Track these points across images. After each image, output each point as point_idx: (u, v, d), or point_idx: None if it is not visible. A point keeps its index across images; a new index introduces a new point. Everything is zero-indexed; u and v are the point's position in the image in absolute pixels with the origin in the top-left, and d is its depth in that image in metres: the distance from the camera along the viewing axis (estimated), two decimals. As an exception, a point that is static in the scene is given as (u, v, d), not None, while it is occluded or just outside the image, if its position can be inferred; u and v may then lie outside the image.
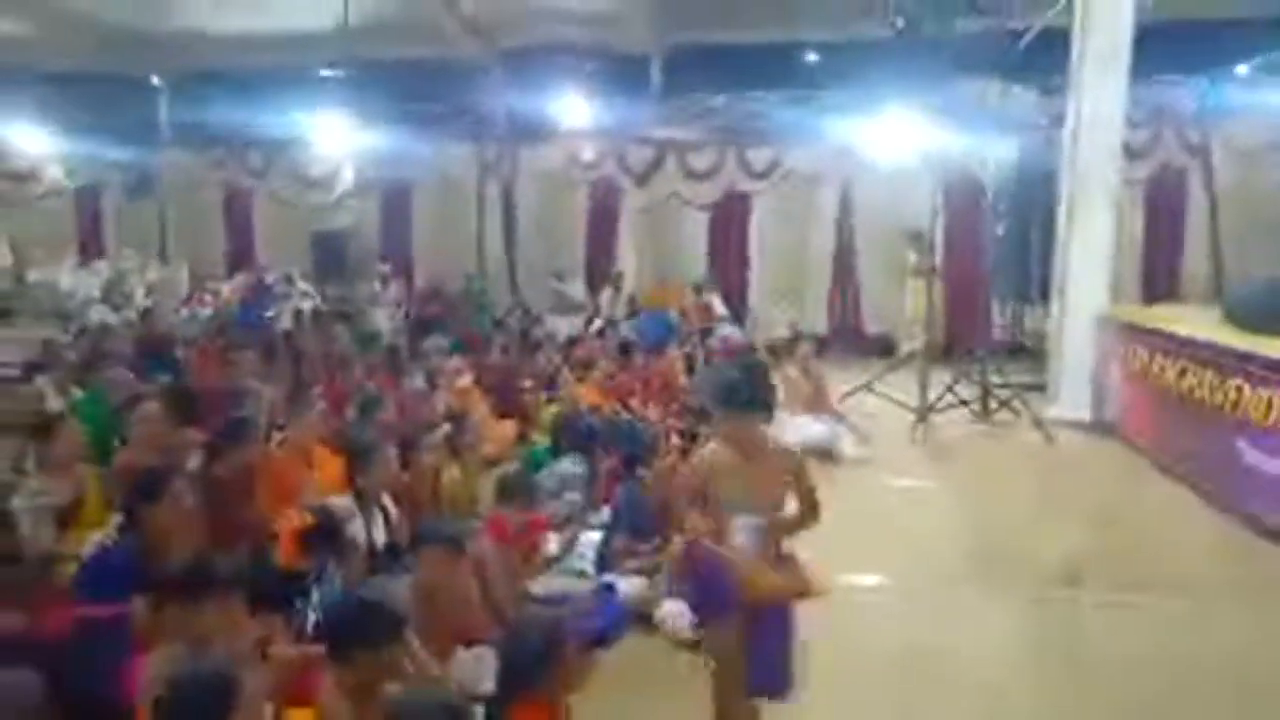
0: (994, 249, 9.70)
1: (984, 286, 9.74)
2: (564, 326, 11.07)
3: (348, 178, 13.74)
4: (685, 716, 3.56)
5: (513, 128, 12.52)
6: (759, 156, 12.52)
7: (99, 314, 11.24)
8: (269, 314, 10.92)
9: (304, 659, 3.20)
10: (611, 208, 13.22)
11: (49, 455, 4.33)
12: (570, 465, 5.78)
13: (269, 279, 12.63)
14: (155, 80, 13.74)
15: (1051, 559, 5.15)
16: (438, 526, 3.64)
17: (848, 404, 8.28)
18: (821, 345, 9.90)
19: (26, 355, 8.30)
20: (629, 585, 4.37)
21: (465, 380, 7.02)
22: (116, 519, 3.97)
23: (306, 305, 11.64)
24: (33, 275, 12.90)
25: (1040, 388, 8.86)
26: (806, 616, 3.09)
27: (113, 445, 5.06)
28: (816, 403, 7.70)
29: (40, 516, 4.11)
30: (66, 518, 4.22)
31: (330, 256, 13.63)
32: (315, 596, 3.55)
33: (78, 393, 6.37)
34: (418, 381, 6.90)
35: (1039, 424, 7.91)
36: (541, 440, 6.59)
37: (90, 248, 14.20)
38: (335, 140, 12.69)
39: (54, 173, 14.14)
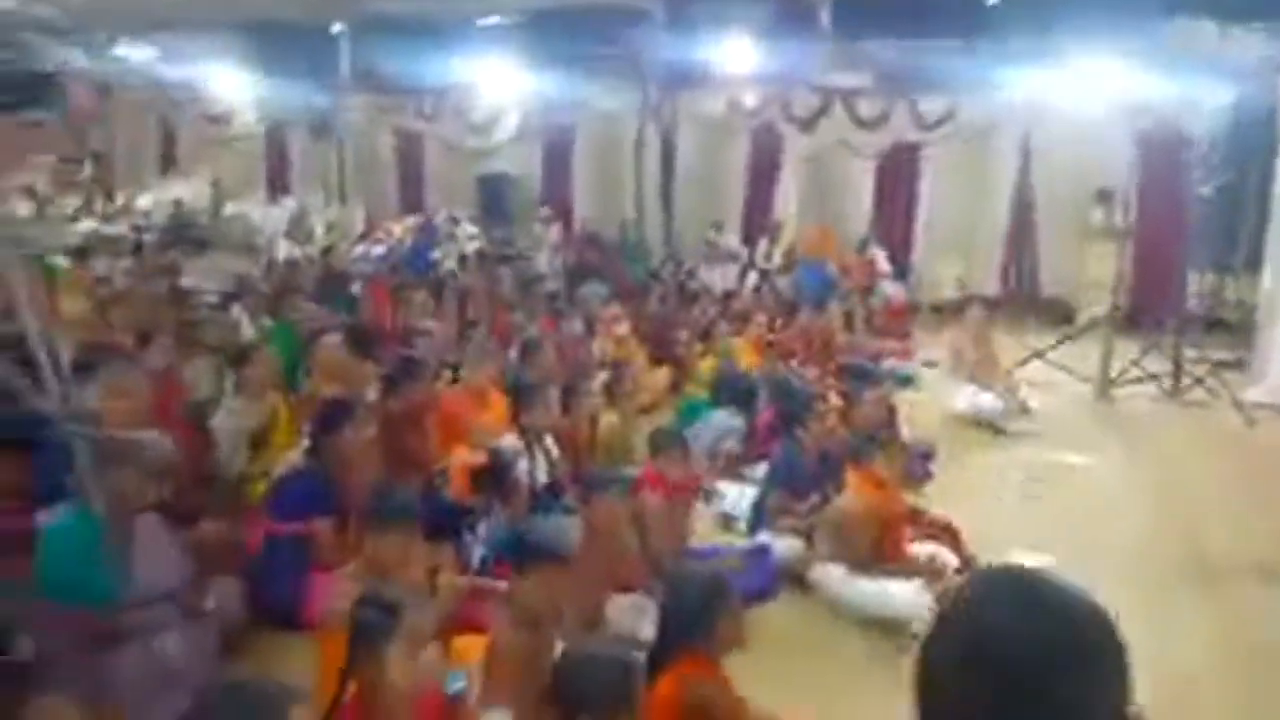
0: (1195, 209, 8.82)
1: (1180, 251, 8.90)
2: (717, 278, 10.96)
3: (511, 123, 13.99)
4: (835, 681, 3.51)
5: (674, 73, 12.34)
6: (931, 106, 11.84)
7: (284, 249, 12.02)
8: (436, 255, 11.34)
9: (473, 588, 3.33)
10: (773, 156, 12.88)
11: (245, 380, 4.65)
12: (727, 418, 5.76)
13: (436, 220, 13.11)
14: (336, 28, 14.38)
15: (1244, 550, 4.72)
16: (608, 474, 3.69)
17: (1019, 373, 7.82)
18: (991, 308, 9.38)
19: (223, 285, 9.00)
20: (783, 544, 4.31)
21: (623, 328, 7.08)
22: (304, 444, 4.25)
23: (471, 247, 12.02)
24: (228, 210, 13.89)
25: (1241, 365, 8.08)
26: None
27: (300, 374, 5.40)
28: (984, 370, 7.30)
29: (236, 437, 4.44)
30: (258, 440, 4.56)
31: (494, 200, 13.98)
32: (482, 531, 3.69)
33: (268, 322, 6.85)
34: (576, 327, 7.02)
35: (1239, 405, 7.21)
36: (696, 391, 6.60)
37: (277, 186, 15.13)
38: (500, 86, 12.93)
39: (246, 115, 15.05)
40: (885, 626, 3.75)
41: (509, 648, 2.59)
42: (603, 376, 5.32)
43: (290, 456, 4.14)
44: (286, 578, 3.54)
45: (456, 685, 2.80)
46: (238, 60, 14.02)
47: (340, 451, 3.74)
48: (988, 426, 6.73)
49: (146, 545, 3.19)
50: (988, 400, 6.84)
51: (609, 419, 5.19)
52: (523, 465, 4.16)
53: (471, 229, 13.14)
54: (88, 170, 14.62)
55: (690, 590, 2.59)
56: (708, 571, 2.71)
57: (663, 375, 6.95)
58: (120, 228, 12.61)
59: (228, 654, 3.35)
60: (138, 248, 11.13)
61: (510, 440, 4.18)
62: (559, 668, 2.12)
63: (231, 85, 14.54)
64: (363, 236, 13.30)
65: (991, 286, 11.56)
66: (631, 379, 5.42)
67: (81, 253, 9.64)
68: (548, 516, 3.70)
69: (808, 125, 12.51)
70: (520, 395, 4.47)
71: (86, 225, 12.37)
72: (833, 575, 3.99)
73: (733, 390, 5.99)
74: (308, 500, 3.63)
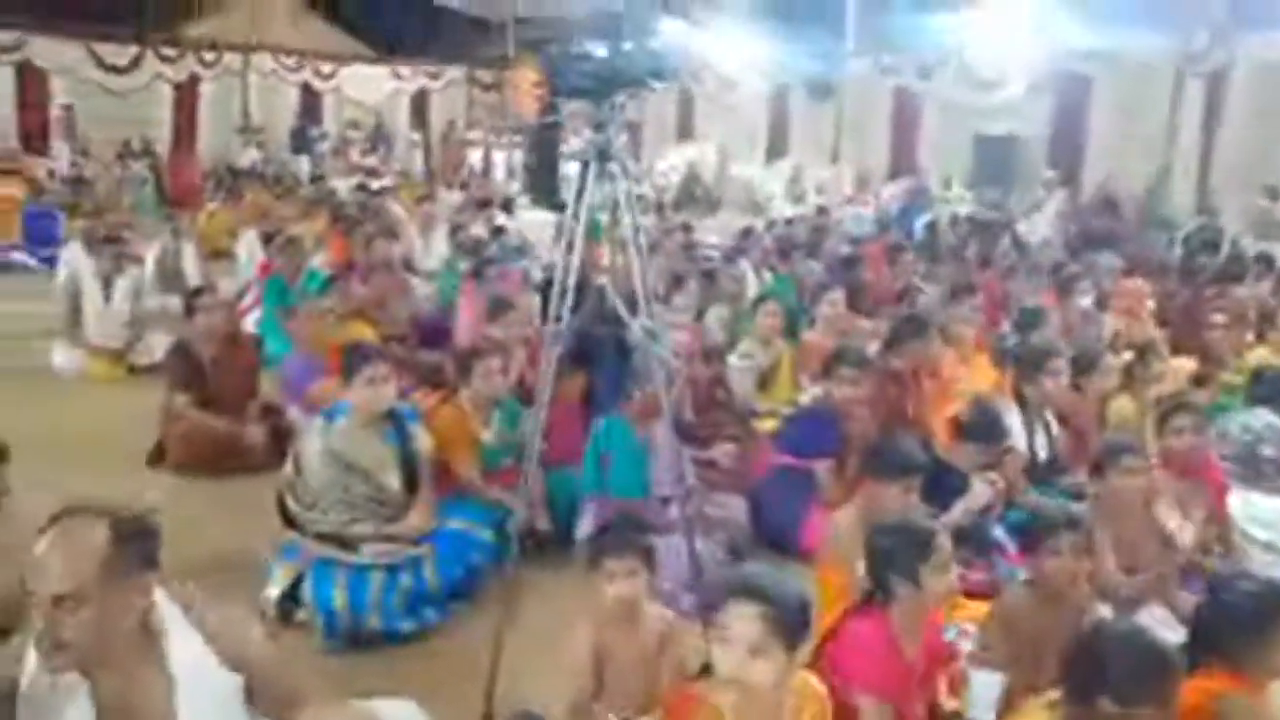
0: None
1: None
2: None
3: (1020, 79, 13.07)
4: None
5: (1239, 11, 10.48)
6: None
7: (779, 207, 12.77)
8: (925, 218, 11.16)
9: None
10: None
11: (756, 327, 5.12)
12: (1268, 416, 4.90)
13: (928, 182, 12.87)
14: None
15: None
16: (1123, 444, 3.38)
17: None
18: None
19: (729, 240, 9.88)
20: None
21: (1144, 306, 6.34)
22: (809, 387, 4.58)
23: (962, 210, 11.62)
24: (732, 172, 15.11)
25: None
26: None
27: (800, 324, 5.78)
28: None
29: (746, 375, 4.93)
30: (765, 380, 5.01)
31: (991, 162, 13.29)
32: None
33: (769, 276, 7.40)
34: (1084, 300, 6.45)
35: None
36: (1230, 386, 5.70)
37: (776, 148, 16.03)
38: (1008, 38, 12.13)
39: (755, 82, 16.06)
40: None
41: (1017, 613, 2.57)
42: (1124, 358, 4.84)
43: (803, 397, 4.48)
44: (787, 507, 3.88)
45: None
46: (749, 28, 15.00)
47: (843, 398, 3.95)
48: None
49: (663, 451, 3.72)
50: None
51: (1120, 404, 4.72)
52: (1015, 423, 4.00)
53: (962, 191, 12.69)
54: (623, 138, 16.88)
55: (1241, 595, 2.30)
56: (1267, 580, 2.37)
57: (1185, 365, 6.09)
58: (643, 189, 14.43)
59: (733, 562, 3.78)
60: (659, 206, 12.64)
61: (998, 396, 4.07)
62: (1087, 643, 2.04)
63: (742, 54, 15.61)
64: (851, 198, 13.59)
65: None
66: (1157, 365, 4.85)
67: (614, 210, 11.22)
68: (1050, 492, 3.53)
69: None
70: (1022, 365, 4.30)
71: (622, 186, 14.35)
72: None
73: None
74: (813, 439, 3.91)
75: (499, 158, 18.00)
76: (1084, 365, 4.42)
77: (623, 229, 2.81)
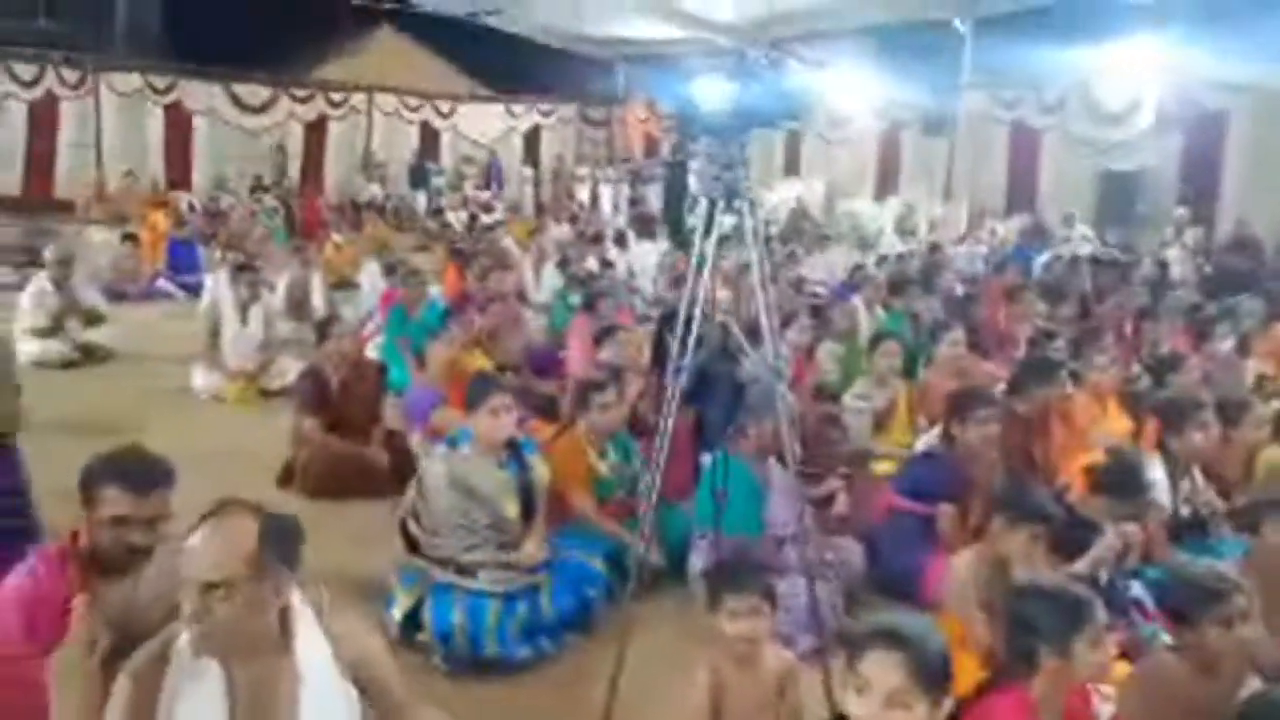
0: None
1: None
2: None
3: (1148, 111, 12.55)
4: None
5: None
6: None
7: (888, 244, 12.53)
8: (1044, 256, 10.76)
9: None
10: None
11: (873, 366, 5.01)
12: None
13: (1046, 220, 12.43)
14: (958, 23, 14.42)
15: None
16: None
17: None
18: None
19: (837, 277, 9.75)
20: None
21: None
22: (926, 430, 4.44)
23: (1084, 250, 11.16)
24: (840, 207, 14.94)
25: None
26: None
27: (917, 363, 5.63)
28: None
29: (862, 415, 4.83)
30: (881, 421, 4.89)
31: (1117, 199, 12.73)
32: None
33: (881, 313, 7.24)
34: (1224, 345, 6.09)
35: None
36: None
37: (886, 184, 15.78)
38: (1140, 70, 11.66)
39: (865, 118, 15.86)
40: None
41: (1169, 684, 2.41)
42: (1273, 405, 4.54)
43: (921, 440, 4.36)
44: (906, 553, 3.76)
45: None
46: (859, 64, 14.87)
47: (969, 442, 3.82)
48: None
49: (781, 491, 3.67)
50: None
51: (1270, 454, 4.42)
52: (1159, 476, 3.78)
53: (1085, 230, 12.20)
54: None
55: None
56: None
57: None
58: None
59: (848, 610, 3.67)
60: (766, 241, 12.56)
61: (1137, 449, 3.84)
62: (1248, 713, 1.89)
63: (852, 89, 15.48)
64: (965, 235, 13.23)
65: None
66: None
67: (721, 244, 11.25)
68: (1199, 553, 3.32)
69: None
70: (1166, 416, 4.06)
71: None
72: None
73: None
74: (935, 483, 3.79)
75: (605, 192, 18.31)
76: (1232, 414, 4.16)
77: (751, 266, 2.80)
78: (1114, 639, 3.21)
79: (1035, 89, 13.67)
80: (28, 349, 7.03)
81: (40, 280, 7.34)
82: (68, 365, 6.93)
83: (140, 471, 2.41)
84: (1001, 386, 4.59)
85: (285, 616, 1.98)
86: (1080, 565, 3.27)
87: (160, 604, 2.42)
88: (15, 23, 17.31)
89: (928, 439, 4.23)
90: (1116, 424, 4.71)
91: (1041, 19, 12.76)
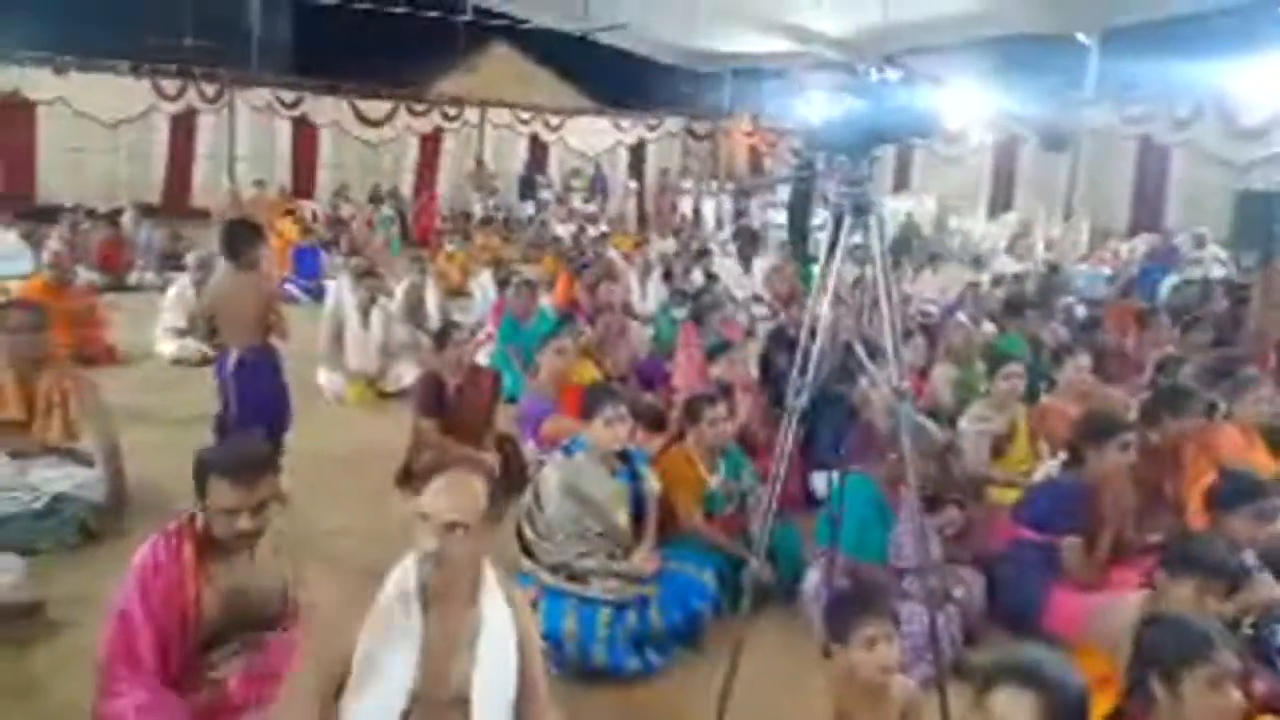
0: None
1: None
2: None
3: (1291, 127, 11.80)
4: None
5: None
6: None
7: (1002, 264, 12.11)
8: (1174, 279, 10.21)
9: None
10: None
11: (994, 389, 4.83)
12: None
13: (1176, 240, 11.82)
14: (1082, 37, 13.89)
15: None
16: None
17: None
18: None
19: (948, 296, 9.48)
20: None
21: None
22: (1048, 456, 4.27)
23: (1217, 272, 10.55)
24: (951, 224, 14.53)
25: None
26: None
27: (1038, 387, 5.42)
28: None
29: (980, 440, 4.67)
30: (999, 446, 4.72)
31: (1254, 220, 11.98)
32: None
33: (995, 333, 7.00)
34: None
35: None
36: None
37: (999, 200, 15.28)
38: (1276, 83, 10.95)
39: (980, 133, 15.42)
40: None
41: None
42: None
43: (1042, 468, 4.20)
44: (1028, 584, 3.61)
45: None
46: (976, 78, 14.46)
47: (1099, 470, 3.66)
48: None
49: (904, 519, 3.57)
50: None
51: None
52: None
53: (1219, 251, 11.53)
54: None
55: None
56: None
57: None
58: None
59: (967, 643, 3.55)
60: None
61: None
62: None
63: (967, 103, 15.07)
64: (1087, 255, 12.69)
65: None
66: None
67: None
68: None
69: None
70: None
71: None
72: None
73: None
74: (1061, 514, 3.63)
75: (708, 206, 18.32)
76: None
77: (874, 283, 2.75)
78: (1256, 688, 3.03)
79: (1166, 103, 13.03)
80: (168, 347, 7.50)
81: (182, 282, 7.81)
82: (204, 363, 7.33)
83: (244, 464, 2.59)
84: (1132, 415, 4.36)
85: (483, 567, 2.26)
86: (1228, 607, 3.06)
87: (273, 580, 2.67)
88: (165, 40, 18.53)
89: (1050, 466, 4.06)
90: (1261, 458, 4.43)
91: (1173, 30, 12.20)
